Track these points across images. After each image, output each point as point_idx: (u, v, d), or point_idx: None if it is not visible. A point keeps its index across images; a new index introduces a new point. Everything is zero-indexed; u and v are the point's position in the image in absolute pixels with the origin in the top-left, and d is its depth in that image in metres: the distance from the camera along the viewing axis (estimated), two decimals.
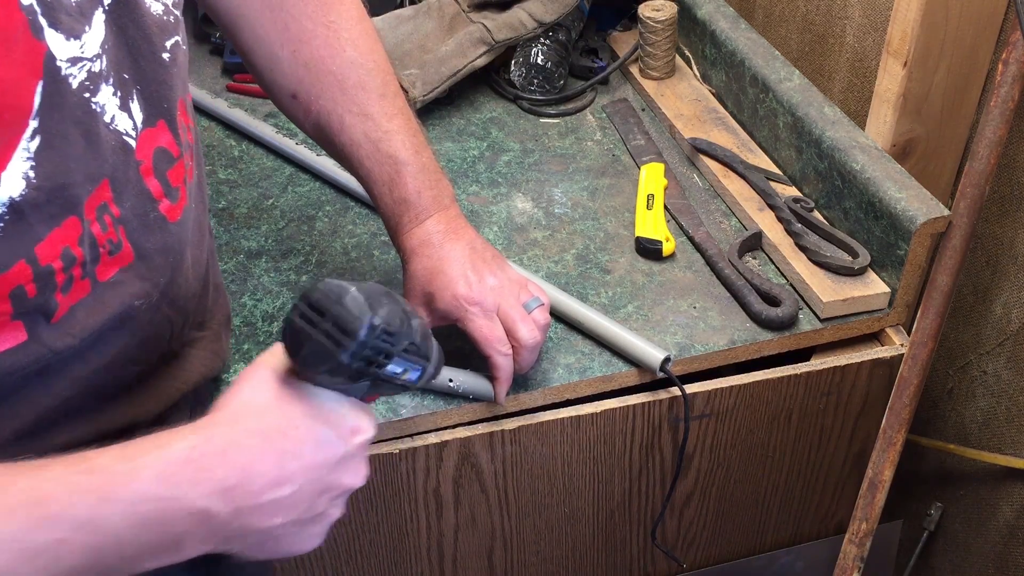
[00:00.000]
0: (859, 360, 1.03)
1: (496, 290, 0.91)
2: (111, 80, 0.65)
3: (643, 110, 1.34)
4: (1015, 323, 1.10)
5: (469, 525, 1.03)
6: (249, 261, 1.10)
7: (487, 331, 0.90)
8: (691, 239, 1.13)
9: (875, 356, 1.03)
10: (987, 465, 1.19)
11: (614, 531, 1.10)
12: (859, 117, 1.22)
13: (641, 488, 1.06)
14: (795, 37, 1.35)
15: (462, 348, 0.94)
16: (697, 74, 1.37)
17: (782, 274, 1.08)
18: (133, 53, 0.67)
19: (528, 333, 0.90)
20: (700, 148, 1.22)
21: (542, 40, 1.34)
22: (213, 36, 1.44)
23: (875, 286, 1.03)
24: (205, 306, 0.85)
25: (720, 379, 1.00)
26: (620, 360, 0.99)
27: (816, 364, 1.03)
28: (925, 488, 1.31)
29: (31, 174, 0.58)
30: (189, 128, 0.75)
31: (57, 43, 0.59)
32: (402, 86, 1.28)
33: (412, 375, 0.65)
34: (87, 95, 0.62)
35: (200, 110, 1.33)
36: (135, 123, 0.67)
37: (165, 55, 0.70)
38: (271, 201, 1.19)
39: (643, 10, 1.33)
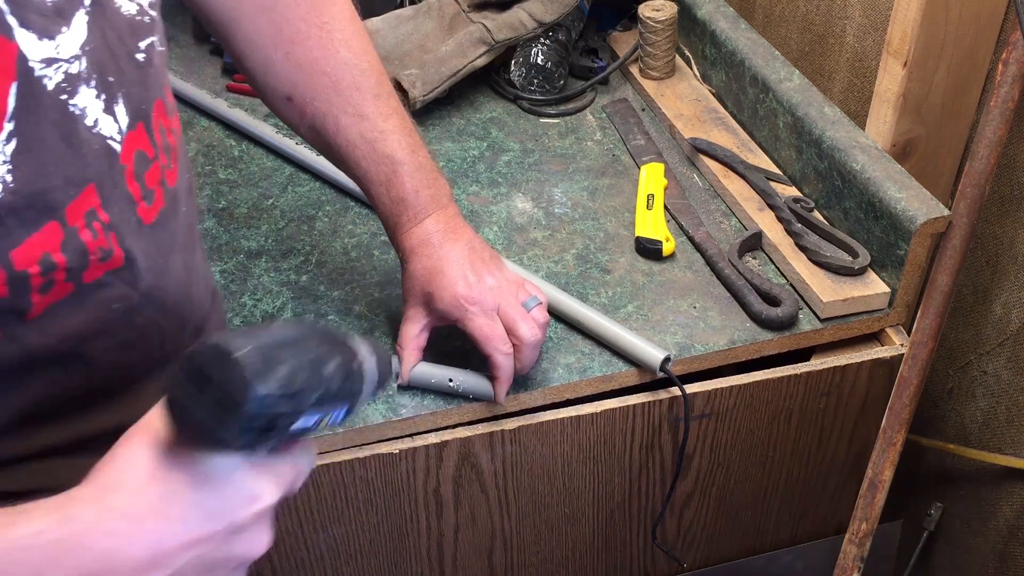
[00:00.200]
0: (859, 360, 1.03)
1: (495, 290, 0.91)
2: (93, 83, 0.63)
3: (643, 110, 1.34)
4: (1015, 323, 1.10)
5: (469, 525, 1.03)
6: (249, 261, 1.10)
7: (487, 330, 0.90)
8: (691, 239, 1.13)
9: (875, 356, 1.03)
10: (987, 465, 1.19)
11: (614, 531, 1.10)
12: (859, 117, 1.22)
13: (641, 488, 1.06)
14: (795, 37, 1.35)
15: (462, 347, 0.95)
16: (697, 74, 1.36)
17: (782, 274, 1.08)
18: (113, 56, 0.66)
19: (529, 331, 0.91)
20: (700, 148, 1.22)
21: (542, 40, 1.34)
22: (213, 36, 1.44)
23: (875, 286, 1.03)
24: (204, 311, 0.84)
25: (720, 379, 1.00)
26: (620, 360, 0.99)
27: (816, 364, 1.03)
28: (925, 488, 1.31)
29: (8, 178, 0.57)
30: (169, 131, 0.74)
31: (29, 43, 0.58)
32: (402, 86, 1.28)
33: (336, 416, 0.60)
34: (64, 97, 0.61)
35: (200, 110, 1.33)
36: (120, 127, 0.66)
37: (140, 56, 0.69)
38: (271, 201, 1.19)
39: (643, 10, 1.33)
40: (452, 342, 0.96)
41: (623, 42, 1.44)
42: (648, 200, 1.15)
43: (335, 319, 1.03)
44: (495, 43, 1.31)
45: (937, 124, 1.10)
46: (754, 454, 1.08)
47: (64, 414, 0.71)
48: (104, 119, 0.65)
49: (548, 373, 0.97)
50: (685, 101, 1.32)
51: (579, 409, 0.97)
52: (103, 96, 0.65)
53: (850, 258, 1.05)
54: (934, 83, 1.07)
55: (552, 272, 1.09)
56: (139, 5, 0.70)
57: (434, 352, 0.96)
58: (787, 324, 1.01)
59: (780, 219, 1.11)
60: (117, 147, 0.66)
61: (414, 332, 0.94)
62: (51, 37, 0.60)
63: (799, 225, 1.09)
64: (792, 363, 1.03)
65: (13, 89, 0.57)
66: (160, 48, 0.73)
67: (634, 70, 1.38)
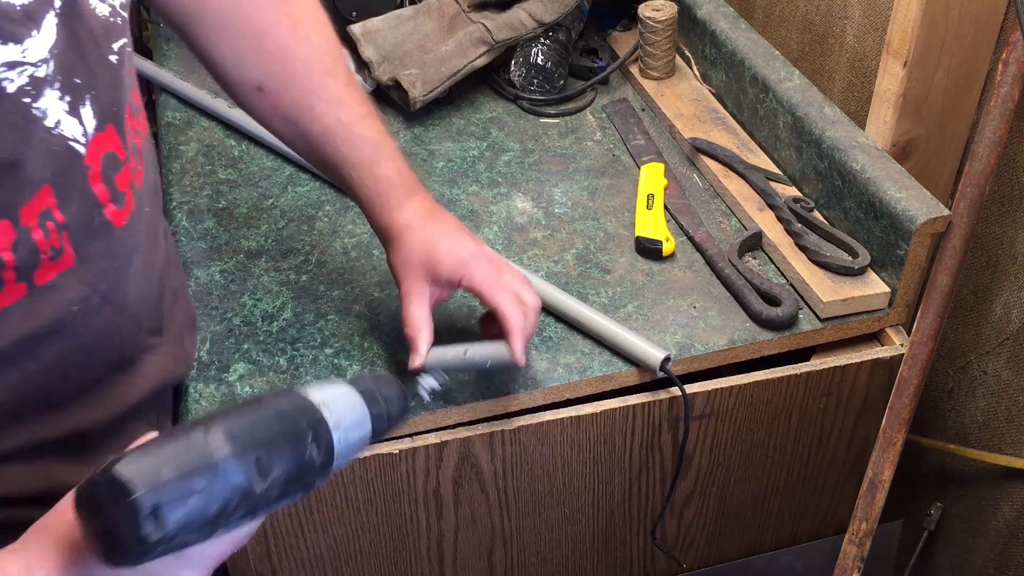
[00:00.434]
0: (859, 360, 1.03)
1: (493, 257, 0.92)
2: (57, 85, 0.63)
3: (643, 110, 1.34)
4: (1015, 323, 1.10)
5: (469, 525, 1.03)
6: (249, 261, 1.10)
7: (493, 279, 0.89)
8: (691, 239, 1.13)
9: (875, 356, 1.03)
10: (987, 465, 1.19)
11: (614, 531, 1.10)
12: (859, 117, 1.22)
13: (641, 488, 1.06)
14: (795, 37, 1.35)
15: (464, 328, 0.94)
16: (697, 74, 1.37)
17: (782, 274, 1.08)
18: (84, 57, 0.66)
19: (532, 296, 0.90)
20: (700, 148, 1.22)
21: (542, 40, 1.34)
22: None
23: (875, 286, 1.03)
24: (161, 312, 0.84)
25: (720, 379, 1.00)
26: (620, 360, 0.99)
27: (816, 364, 1.03)
28: (925, 488, 1.31)
29: None
30: (136, 132, 0.74)
31: None
32: (402, 86, 1.28)
33: (287, 501, 0.58)
34: (27, 100, 0.61)
35: (200, 110, 1.33)
36: (85, 129, 0.66)
37: (113, 57, 0.69)
38: (271, 201, 1.19)
39: (643, 10, 1.33)
40: (455, 322, 0.96)
41: (623, 42, 1.44)
42: (648, 200, 1.15)
43: (335, 319, 1.02)
44: (495, 43, 1.31)
45: (937, 124, 1.10)
46: (754, 454, 1.08)
47: (23, 419, 0.70)
48: (68, 121, 0.64)
49: (548, 373, 0.97)
50: (685, 101, 1.32)
51: (579, 409, 0.97)
52: (67, 98, 0.64)
53: (850, 258, 1.05)
54: (934, 83, 1.07)
55: (552, 272, 1.09)
56: (111, 6, 0.69)
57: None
58: (787, 324, 1.01)
59: (780, 219, 1.11)
60: (81, 148, 0.66)
61: (422, 311, 0.90)
62: (18, 41, 0.60)
63: (799, 225, 1.09)
64: (792, 363, 1.03)
65: None
66: (130, 49, 0.72)
67: (634, 70, 1.38)
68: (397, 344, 1.00)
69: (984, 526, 1.22)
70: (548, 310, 1.03)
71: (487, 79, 1.38)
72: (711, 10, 1.33)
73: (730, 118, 1.28)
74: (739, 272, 1.06)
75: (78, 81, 0.65)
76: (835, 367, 1.02)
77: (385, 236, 0.93)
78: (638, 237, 1.11)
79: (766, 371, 1.01)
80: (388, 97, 1.33)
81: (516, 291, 0.90)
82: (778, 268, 1.09)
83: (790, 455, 1.10)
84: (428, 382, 0.85)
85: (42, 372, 0.69)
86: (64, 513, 0.57)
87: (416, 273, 0.90)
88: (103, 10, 0.68)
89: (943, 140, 1.12)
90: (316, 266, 1.09)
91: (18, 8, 0.60)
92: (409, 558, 1.04)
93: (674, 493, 1.07)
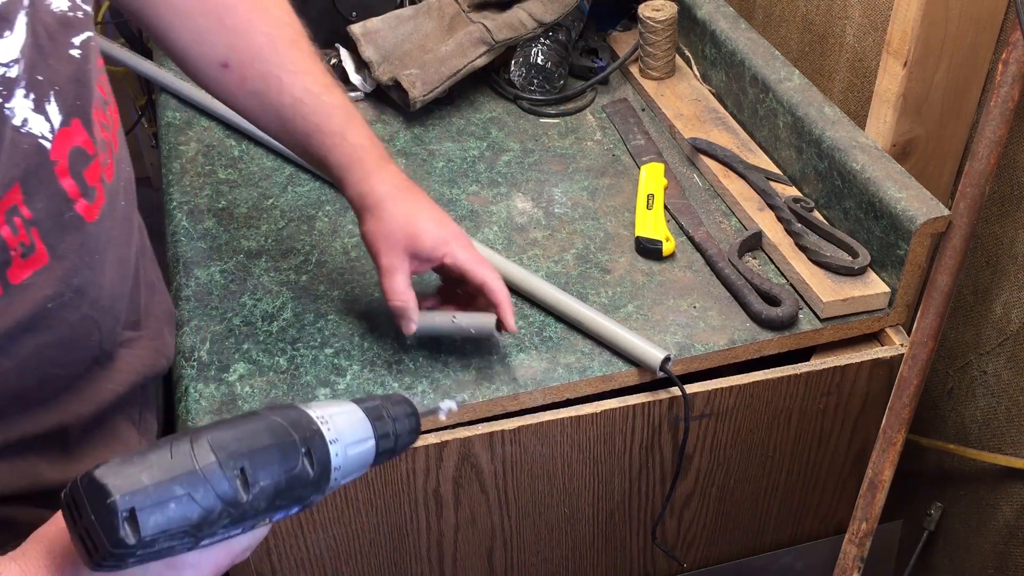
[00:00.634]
0: (859, 360, 1.03)
1: (465, 235, 0.95)
2: (24, 83, 0.63)
3: (643, 110, 1.34)
4: (1015, 323, 1.10)
5: (469, 525, 1.03)
6: (249, 261, 1.10)
7: (476, 256, 0.92)
8: (691, 239, 1.13)
9: (875, 356, 1.03)
10: (987, 465, 1.19)
11: (614, 531, 1.10)
12: (859, 117, 1.22)
13: (641, 488, 1.06)
14: (795, 37, 1.35)
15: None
16: (697, 74, 1.37)
17: (782, 274, 1.08)
18: (43, 53, 0.66)
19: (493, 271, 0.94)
20: (700, 148, 1.22)
21: (542, 40, 1.34)
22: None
23: (875, 286, 1.03)
24: (138, 305, 0.84)
25: (720, 379, 1.00)
26: (620, 360, 0.99)
27: (816, 364, 1.03)
28: (925, 488, 1.31)
29: None
30: (104, 125, 0.73)
31: None
32: (402, 86, 1.28)
33: (282, 514, 0.59)
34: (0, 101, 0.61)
35: (200, 110, 1.33)
36: (52, 125, 0.66)
37: (75, 52, 0.69)
38: (271, 201, 1.19)
39: (643, 10, 1.33)
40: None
41: (623, 42, 1.44)
42: (648, 200, 1.15)
43: (335, 319, 1.02)
44: (495, 43, 1.31)
45: (937, 124, 1.10)
46: (754, 454, 1.08)
47: (2, 415, 0.70)
48: (34, 118, 0.65)
49: (548, 373, 0.97)
50: (685, 101, 1.32)
51: (579, 409, 0.97)
52: (32, 95, 0.64)
53: (850, 258, 1.05)
54: (934, 83, 1.07)
55: (552, 272, 1.09)
56: (70, 1, 0.69)
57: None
58: (787, 324, 1.01)
59: (780, 219, 1.11)
60: (47, 144, 0.66)
61: (405, 281, 0.92)
62: None
63: (799, 225, 1.09)
64: (792, 363, 1.03)
65: None
66: (95, 44, 0.72)
67: (634, 70, 1.38)
68: (397, 344, 1.00)
69: (984, 526, 1.22)
70: (548, 310, 1.03)
71: (487, 79, 1.38)
72: (711, 10, 1.33)
73: (730, 118, 1.28)
74: (739, 272, 1.06)
75: (40, 78, 0.65)
76: (835, 367, 1.02)
77: (360, 204, 0.92)
78: (638, 237, 1.11)
79: (766, 371, 1.01)
80: (388, 97, 1.33)
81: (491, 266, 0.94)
82: (778, 268, 1.09)
83: (790, 455, 1.10)
84: (447, 404, 0.84)
85: (18, 368, 0.69)
86: (59, 521, 0.58)
87: (397, 246, 0.91)
88: (61, 5, 0.68)
89: (943, 140, 1.12)
90: (316, 266, 1.09)
91: None
92: (409, 558, 1.04)
93: (674, 493, 1.07)
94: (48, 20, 0.67)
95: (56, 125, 0.66)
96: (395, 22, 1.35)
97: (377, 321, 1.02)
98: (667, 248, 1.10)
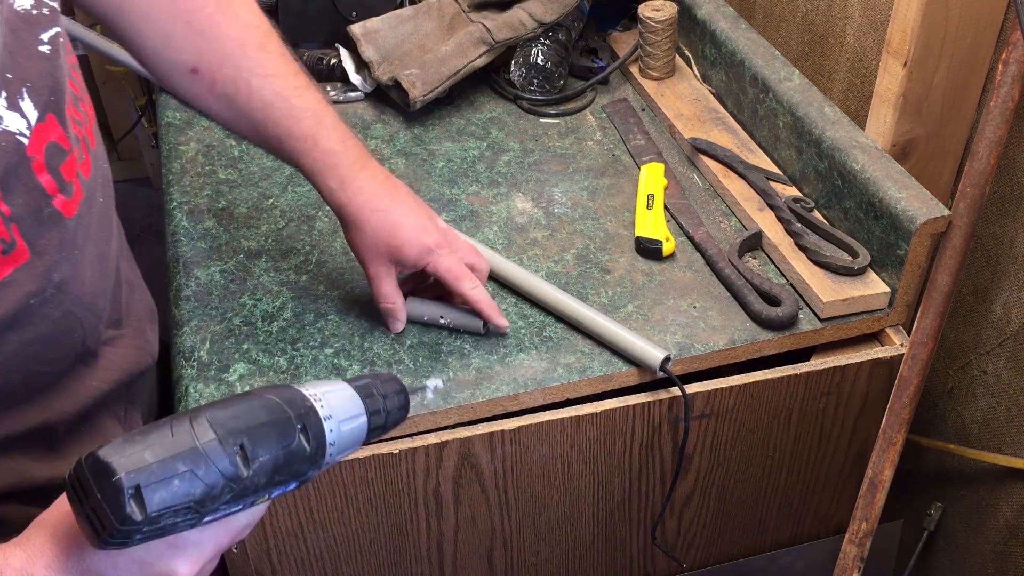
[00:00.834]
0: (859, 360, 1.03)
1: (446, 231, 0.96)
2: None
3: (643, 110, 1.34)
4: (1015, 323, 1.10)
5: (469, 525, 1.03)
6: (249, 261, 1.10)
7: (457, 269, 0.94)
8: (691, 239, 1.13)
9: (875, 356, 1.03)
10: (987, 465, 1.19)
11: (614, 531, 1.10)
12: (859, 117, 1.22)
13: (641, 488, 1.06)
14: (795, 37, 1.35)
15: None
16: (697, 74, 1.37)
17: (782, 274, 1.08)
18: (11, 51, 0.66)
19: (480, 259, 0.98)
20: (700, 148, 1.22)
21: (542, 40, 1.34)
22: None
23: (875, 286, 1.03)
24: (119, 304, 0.84)
25: (720, 379, 1.00)
26: (620, 360, 0.99)
27: (816, 364, 1.03)
28: (925, 488, 1.31)
29: None
30: (78, 121, 0.73)
31: None
32: (402, 86, 1.28)
33: (278, 492, 0.60)
34: None
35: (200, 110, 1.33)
36: (28, 121, 0.66)
37: (44, 48, 0.69)
38: (271, 201, 1.19)
39: (643, 10, 1.33)
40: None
41: (623, 42, 1.44)
42: (648, 200, 1.15)
43: (335, 319, 1.03)
44: (495, 43, 1.31)
45: (937, 124, 1.10)
46: (754, 454, 1.08)
47: None
48: (9, 115, 0.65)
49: (548, 373, 0.97)
50: (685, 101, 1.32)
51: (579, 409, 0.97)
52: (4, 93, 0.64)
53: (850, 258, 1.05)
54: (934, 83, 1.07)
55: (552, 272, 1.09)
56: None
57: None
58: (787, 324, 1.01)
59: (780, 219, 1.11)
60: (24, 140, 0.66)
61: (392, 285, 0.96)
62: None
63: (799, 225, 1.09)
64: (792, 363, 1.03)
65: None
66: (64, 39, 0.72)
67: (634, 70, 1.38)
68: (398, 344, 1.00)
69: (984, 526, 1.22)
70: (548, 310, 1.03)
71: (487, 79, 1.38)
72: (711, 10, 1.33)
73: (730, 118, 1.28)
74: (739, 272, 1.06)
75: (10, 76, 0.65)
76: (835, 367, 1.02)
77: (340, 215, 0.94)
78: (638, 237, 1.11)
79: (766, 371, 1.01)
80: (388, 97, 1.33)
81: (472, 265, 0.96)
82: (778, 268, 1.09)
83: (790, 455, 1.10)
84: (433, 382, 0.91)
85: (3, 366, 0.69)
86: (61, 505, 0.59)
87: (381, 258, 0.94)
88: (23, 3, 0.68)
89: (943, 140, 1.12)
90: (316, 266, 1.09)
91: None
92: (409, 558, 1.04)
93: (674, 493, 1.07)
94: (12, 18, 0.67)
95: (32, 121, 0.66)
96: (395, 22, 1.35)
97: (377, 321, 1.02)
98: (667, 248, 1.10)
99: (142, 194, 2.60)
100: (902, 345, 1.04)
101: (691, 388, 0.98)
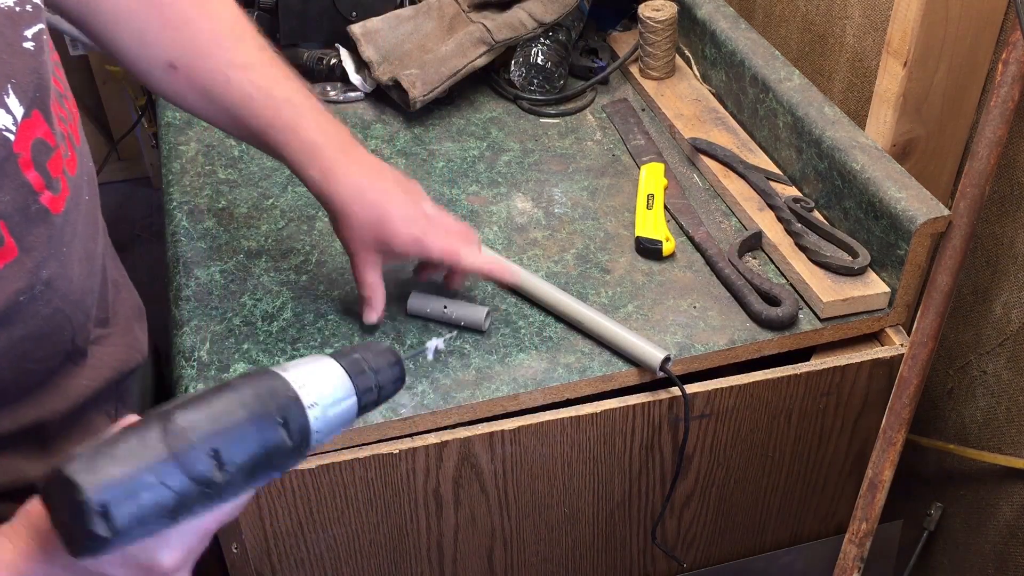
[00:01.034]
0: (859, 360, 1.03)
1: (434, 214, 0.95)
2: None
3: (643, 110, 1.34)
4: (1015, 323, 1.10)
5: (469, 525, 1.03)
6: (249, 261, 1.10)
7: (449, 246, 0.93)
8: (691, 239, 1.13)
9: (875, 356, 1.03)
10: (987, 465, 1.19)
11: (614, 531, 1.10)
12: (859, 117, 1.22)
13: (641, 488, 1.06)
14: (795, 37, 1.36)
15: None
16: (697, 74, 1.37)
17: (782, 274, 1.08)
18: None
19: (471, 233, 0.97)
20: (700, 148, 1.22)
21: (542, 40, 1.34)
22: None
23: (875, 286, 1.03)
24: (106, 303, 0.84)
25: (720, 379, 1.00)
26: (620, 360, 0.99)
27: (816, 364, 1.03)
28: (925, 488, 1.31)
29: None
30: (63, 119, 0.73)
31: None
32: (402, 86, 1.28)
33: (263, 482, 0.58)
34: None
35: None
36: (15, 117, 0.66)
37: (28, 44, 0.68)
38: (271, 201, 1.19)
39: (643, 10, 1.33)
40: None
41: (623, 42, 1.44)
42: (648, 200, 1.15)
43: (335, 319, 1.02)
44: (495, 43, 1.31)
45: (937, 124, 1.10)
46: (754, 454, 1.08)
47: None
48: None
49: (548, 373, 0.97)
50: (685, 101, 1.32)
51: (579, 409, 0.97)
52: None
53: (850, 258, 1.05)
54: (934, 83, 1.07)
55: (552, 272, 1.09)
56: None
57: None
58: (787, 324, 1.01)
59: (780, 219, 1.11)
60: (11, 136, 0.66)
61: (376, 275, 0.96)
62: None
63: (799, 225, 1.09)
64: (792, 363, 1.03)
65: None
66: (46, 37, 0.72)
67: (634, 70, 1.38)
68: (398, 344, 1.00)
69: (984, 526, 1.22)
70: (548, 310, 1.03)
71: (487, 79, 1.38)
72: (711, 10, 1.33)
73: (730, 118, 1.28)
74: (739, 272, 1.06)
75: None
76: (835, 367, 1.02)
77: (325, 206, 0.93)
78: (638, 237, 1.11)
79: (766, 371, 1.01)
80: (388, 97, 1.33)
81: (462, 235, 0.96)
82: (778, 268, 1.09)
83: (790, 455, 1.10)
84: (434, 343, 0.84)
85: None
86: (23, 517, 0.59)
87: (368, 247, 0.93)
88: (6, 1, 0.68)
89: (943, 140, 1.12)
90: (316, 266, 1.09)
91: None
92: (409, 558, 1.04)
93: (674, 493, 1.07)
94: None
95: (18, 117, 0.66)
96: (395, 22, 1.35)
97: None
98: (667, 248, 1.10)
99: (142, 194, 2.60)
100: (902, 345, 1.04)
101: (691, 388, 0.98)
